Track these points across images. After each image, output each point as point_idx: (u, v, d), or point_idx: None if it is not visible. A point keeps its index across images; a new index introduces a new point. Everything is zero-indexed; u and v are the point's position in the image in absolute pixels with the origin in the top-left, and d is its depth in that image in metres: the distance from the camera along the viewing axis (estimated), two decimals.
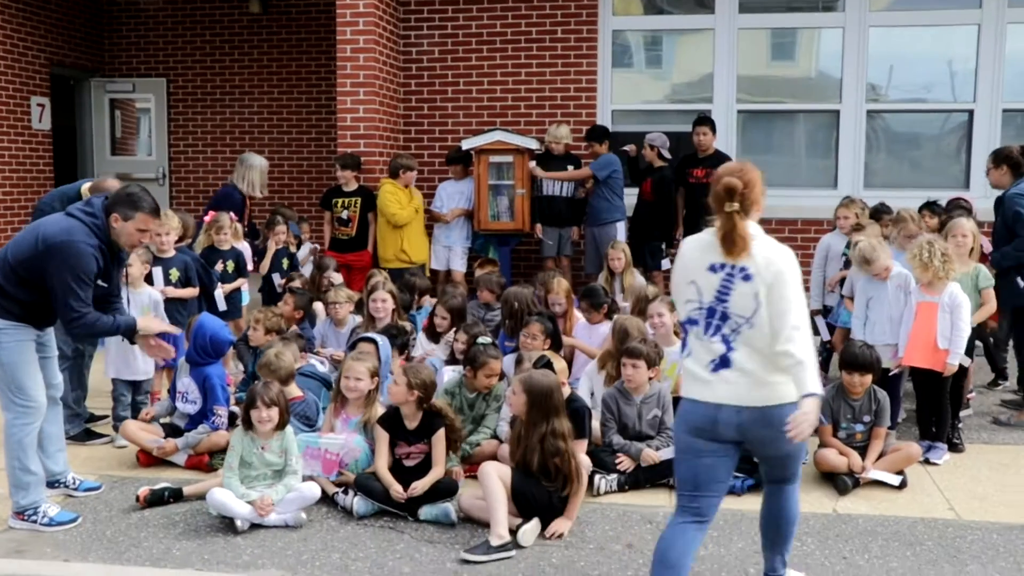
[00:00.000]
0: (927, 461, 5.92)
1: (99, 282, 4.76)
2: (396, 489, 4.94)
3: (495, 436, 5.76)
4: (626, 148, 9.59)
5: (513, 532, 4.63)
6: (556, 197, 9.32)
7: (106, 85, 12.51)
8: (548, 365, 5.48)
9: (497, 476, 4.71)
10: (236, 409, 5.81)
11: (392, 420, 5.20)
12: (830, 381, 6.57)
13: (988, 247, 7.20)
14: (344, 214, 9.27)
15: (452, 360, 6.73)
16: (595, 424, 5.74)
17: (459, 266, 9.56)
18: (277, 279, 8.50)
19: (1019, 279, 6.80)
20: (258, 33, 12.15)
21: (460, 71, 10.40)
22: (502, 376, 5.96)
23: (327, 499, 5.15)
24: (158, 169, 12.35)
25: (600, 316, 7.13)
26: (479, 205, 9.39)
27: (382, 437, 5.16)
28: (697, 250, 3.69)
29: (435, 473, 5.05)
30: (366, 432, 5.44)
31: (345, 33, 9.46)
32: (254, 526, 4.84)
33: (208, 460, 5.74)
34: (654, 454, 5.45)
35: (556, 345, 6.73)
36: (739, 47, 10.10)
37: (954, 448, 6.13)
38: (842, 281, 7.17)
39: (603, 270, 8.63)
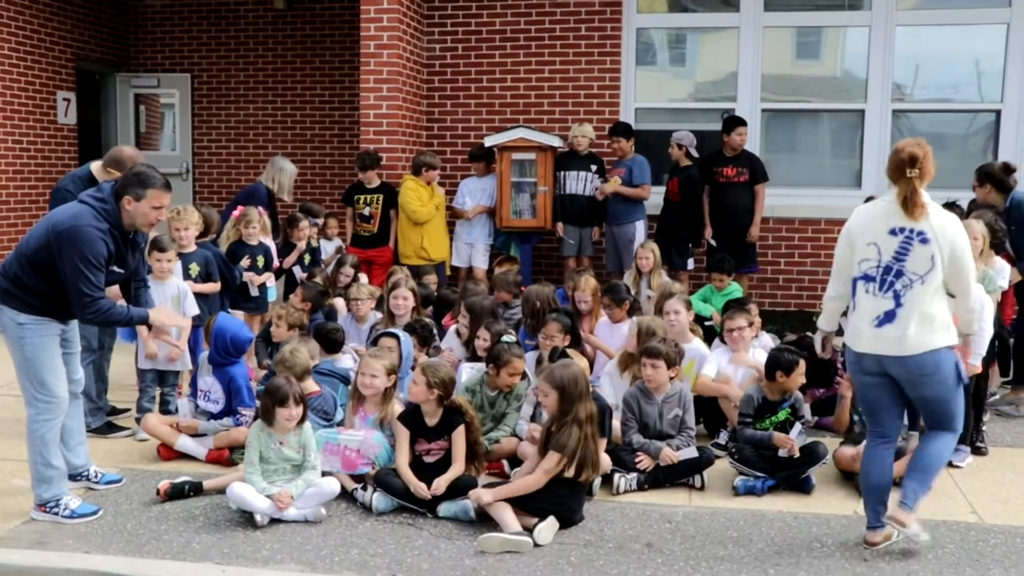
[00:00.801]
0: (950, 464, 5.86)
1: (115, 268, 4.76)
2: (419, 487, 4.94)
3: (514, 434, 5.75)
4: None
5: (529, 530, 4.63)
6: (578, 196, 9.30)
7: (131, 80, 12.58)
8: (564, 355, 5.50)
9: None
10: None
11: (412, 417, 5.21)
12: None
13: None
14: (366, 210, 9.29)
15: (474, 357, 6.71)
16: (615, 423, 5.73)
17: (481, 263, 9.56)
18: (299, 273, 8.53)
19: None
20: (282, 29, 12.19)
21: (483, 68, 10.40)
22: (524, 375, 5.95)
23: (346, 495, 5.16)
24: (182, 164, 12.42)
25: (622, 313, 7.11)
26: (501, 202, 9.39)
27: (402, 434, 5.17)
28: (875, 216, 4.34)
29: (455, 470, 5.05)
30: (383, 429, 5.44)
31: (369, 29, 9.47)
32: (273, 521, 4.85)
33: (228, 455, 5.76)
34: (673, 454, 5.43)
35: (576, 342, 6.72)
36: (764, 45, 10.04)
37: (977, 451, 6.08)
38: None
39: (629, 269, 8.62)
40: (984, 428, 6.30)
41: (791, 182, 10.03)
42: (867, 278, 4.35)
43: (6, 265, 4.78)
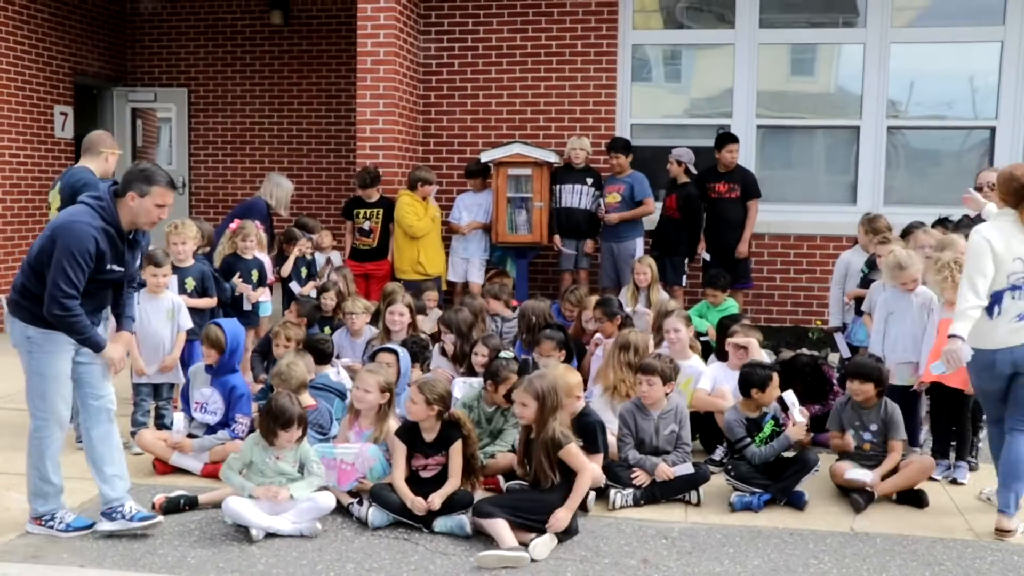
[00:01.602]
0: (954, 481, 5.88)
1: (112, 267, 4.64)
2: (417, 502, 4.94)
3: (512, 450, 5.74)
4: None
5: (525, 545, 4.62)
6: (574, 209, 9.32)
7: (128, 94, 12.61)
8: (535, 365, 5.56)
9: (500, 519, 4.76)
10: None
11: (409, 432, 5.20)
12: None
13: None
14: (366, 224, 9.30)
15: (468, 372, 6.71)
16: (611, 439, 5.72)
17: (477, 278, 9.56)
18: (296, 288, 8.53)
19: None
20: (279, 44, 12.23)
21: (480, 83, 10.44)
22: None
23: (342, 509, 5.15)
24: (178, 178, 12.42)
25: (613, 328, 7.09)
26: (497, 217, 9.40)
27: (399, 449, 5.16)
28: (1011, 236, 4.94)
29: (451, 485, 5.04)
30: (378, 445, 5.43)
31: (365, 44, 9.50)
32: (269, 535, 4.84)
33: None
34: (669, 470, 5.42)
35: (570, 357, 6.72)
36: (759, 62, 10.09)
37: (969, 467, 6.08)
38: (860, 299, 7.11)
39: (626, 284, 8.64)
40: (980, 445, 6.31)
41: (786, 198, 10.07)
42: (1015, 288, 4.95)
43: (16, 278, 4.73)
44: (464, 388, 6.33)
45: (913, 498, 5.47)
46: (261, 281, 7.89)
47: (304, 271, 8.67)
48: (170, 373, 6.48)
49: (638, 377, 5.70)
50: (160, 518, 4.90)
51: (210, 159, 12.52)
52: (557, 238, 9.40)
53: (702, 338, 7.60)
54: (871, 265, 7.32)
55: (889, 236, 7.34)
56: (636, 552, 4.75)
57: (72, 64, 11.69)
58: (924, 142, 10.26)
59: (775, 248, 9.94)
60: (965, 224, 7.62)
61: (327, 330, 7.75)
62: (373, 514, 5.01)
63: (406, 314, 7.33)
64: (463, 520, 4.92)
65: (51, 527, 4.80)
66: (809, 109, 10.54)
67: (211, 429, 5.96)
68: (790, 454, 5.55)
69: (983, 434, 6.60)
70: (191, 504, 5.20)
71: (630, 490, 5.38)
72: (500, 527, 4.70)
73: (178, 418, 6.17)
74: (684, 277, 9.21)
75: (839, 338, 7.69)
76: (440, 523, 4.94)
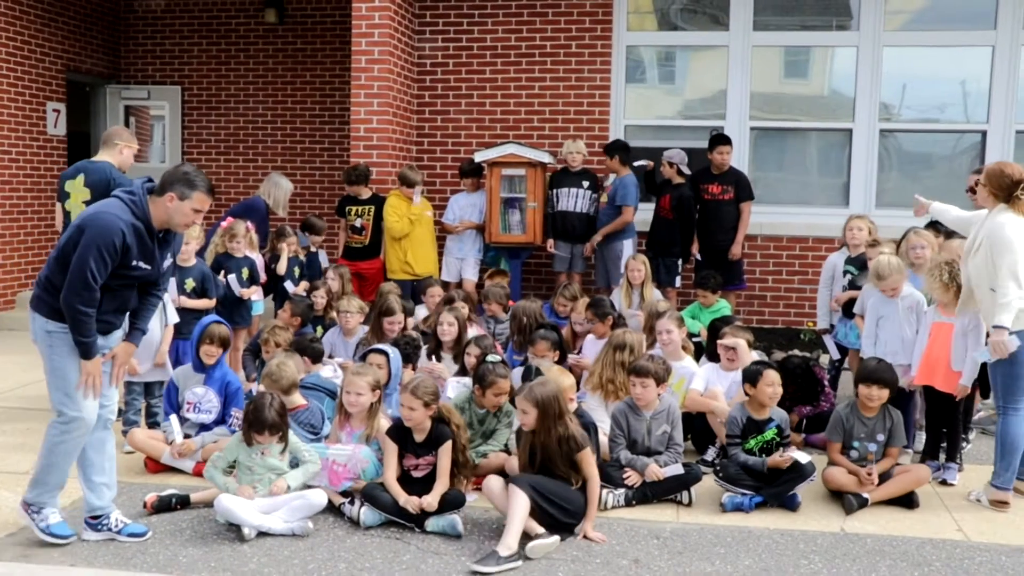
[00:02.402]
0: (943, 482, 5.90)
1: (140, 263, 4.51)
2: (411, 500, 4.94)
3: (505, 449, 5.75)
4: (642, 163, 9.58)
5: (528, 536, 4.65)
6: (569, 212, 9.32)
7: (121, 92, 12.59)
8: (538, 372, 5.55)
9: (524, 493, 4.73)
10: None
11: (400, 432, 5.21)
12: (839, 400, 6.57)
13: None
14: (358, 222, 9.30)
15: (462, 371, 6.71)
16: (603, 439, 5.73)
17: (471, 275, 9.56)
18: (291, 287, 8.53)
19: None
20: (273, 43, 12.23)
21: (474, 83, 10.45)
22: (513, 393, 5.95)
23: (333, 509, 5.15)
24: None
25: (605, 328, 7.10)
26: (491, 217, 9.40)
27: (391, 449, 5.16)
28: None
29: (440, 485, 5.04)
30: (369, 444, 5.44)
31: (360, 44, 9.51)
32: (261, 534, 4.84)
33: None
34: (659, 470, 5.43)
35: (564, 358, 6.73)
36: (753, 64, 10.13)
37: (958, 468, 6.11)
38: (852, 301, 7.13)
39: (618, 284, 8.64)
40: (968, 447, 6.34)
41: (779, 200, 10.10)
42: None
43: (41, 272, 4.63)
44: (457, 388, 6.32)
45: (903, 499, 5.48)
46: (252, 280, 7.89)
47: (296, 271, 8.67)
48: (161, 370, 6.49)
49: (631, 379, 5.70)
50: (149, 533, 4.84)
51: (203, 157, 12.50)
52: (551, 242, 9.40)
53: (694, 339, 7.62)
54: (855, 265, 7.36)
55: (878, 240, 7.37)
56: (627, 552, 4.76)
57: (65, 61, 11.67)
58: (916, 145, 10.31)
59: (767, 250, 9.97)
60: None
61: (319, 329, 7.75)
62: (365, 513, 5.02)
63: (403, 321, 7.33)
64: (455, 520, 4.93)
65: (32, 518, 4.69)
66: (802, 111, 10.58)
67: (205, 428, 5.95)
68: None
69: (972, 436, 6.66)
70: (183, 503, 5.19)
71: (622, 490, 5.40)
72: (522, 506, 4.69)
73: (173, 422, 6.08)
74: (678, 278, 9.22)
75: (828, 339, 7.72)
76: (432, 523, 4.94)
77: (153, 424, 6.38)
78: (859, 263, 7.34)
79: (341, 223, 9.53)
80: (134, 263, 4.49)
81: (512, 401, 5.84)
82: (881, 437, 5.60)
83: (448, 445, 5.13)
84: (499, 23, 10.34)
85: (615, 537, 4.95)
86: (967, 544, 4.96)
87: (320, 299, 7.95)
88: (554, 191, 9.38)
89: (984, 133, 9.78)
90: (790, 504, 5.39)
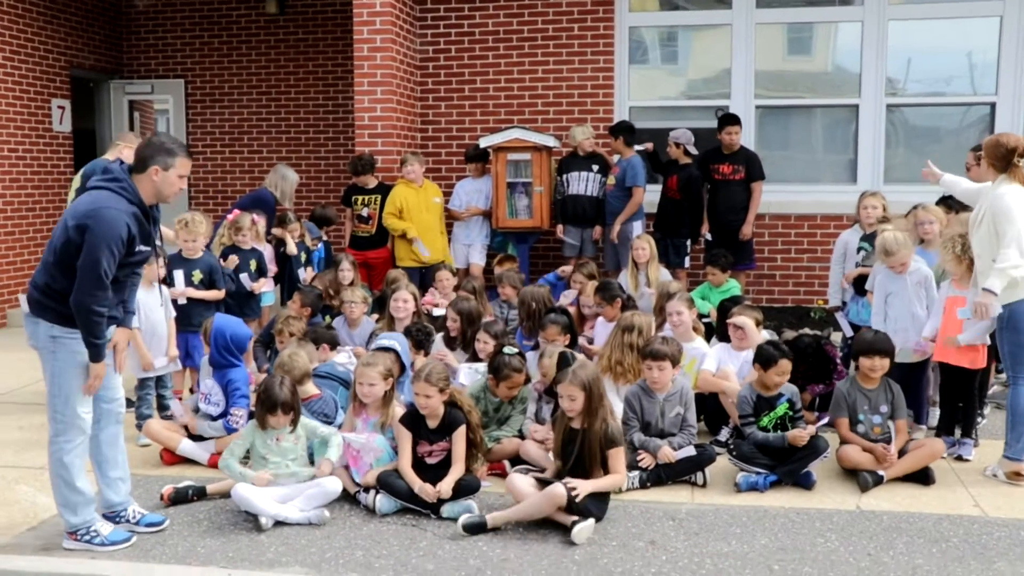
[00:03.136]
0: (959, 458, 5.89)
1: (142, 247, 4.44)
2: (426, 488, 4.95)
3: (519, 435, 5.75)
4: (642, 147, 9.55)
5: (568, 529, 4.66)
6: (580, 196, 9.29)
7: (125, 87, 12.60)
8: (572, 359, 5.53)
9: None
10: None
11: (414, 419, 5.21)
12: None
13: None
14: (364, 211, 9.30)
15: (473, 358, 6.71)
16: (616, 422, 5.73)
17: (478, 259, 9.56)
18: (302, 274, 8.56)
19: None
20: (275, 33, 12.20)
21: (477, 69, 10.41)
22: (527, 380, 5.95)
23: (349, 497, 5.17)
24: None
25: (614, 311, 7.09)
26: (497, 203, 9.38)
27: (404, 436, 5.17)
28: None
29: (455, 471, 5.05)
30: (384, 432, 5.44)
31: (362, 32, 9.48)
32: (278, 524, 4.86)
33: None
34: (671, 452, 5.43)
35: (575, 341, 6.72)
36: (756, 42, 10.06)
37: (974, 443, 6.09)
38: (864, 277, 7.11)
39: (626, 267, 8.63)
40: (981, 421, 6.32)
41: (786, 178, 10.05)
42: None
43: (34, 277, 4.52)
44: (471, 375, 6.32)
45: (919, 475, 5.48)
46: (261, 272, 7.89)
47: (303, 256, 8.70)
48: (172, 362, 6.55)
49: (647, 363, 5.68)
50: (167, 522, 4.85)
51: (208, 150, 12.50)
52: (560, 228, 9.38)
53: (704, 319, 7.60)
54: (870, 242, 7.33)
55: (888, 216, 7.34)
56: (643, 534, 4.77)
57: (68, 57, 11.67)
58: (923, 119, 10.24)
59: (776, 228, 9.93)
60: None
61: (328, 319, 7.76)
62: (381, 501, 5.03)
63: (410, 301, 7.32)
64: (471, 505, 4.94)
65: (88, 541, 4.57)
66: (807, 88, 10.51)
67: (214, 420, 5.98)
68: None
69: (986, 411, 6.64)
70: (199, 494, 5.22)
71: (636, 472, 5.40)
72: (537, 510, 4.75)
73: (175, 406, 6.21)
74: (687, 259, 9.20)
75: (840, 317, 7.69)
76: (448, 509, 4.95)
77: (166, 417, 6.40)
78: (874, 240, 7.31)
79: (347, 212, 9.53)
80: (137, 248, 4.44)
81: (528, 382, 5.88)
82: (884, 408, 5.61)
83: (462, 430, 5.13)
84: (500, 7, 10.30)
85: (631, 519, 4.95)
86: (984, 519, 4.95)
87: (322, 286, 7.98)
88: (564, 176, 9.35)
89: (993, 105, 9.70)
90: (805, 482, 5.39)
